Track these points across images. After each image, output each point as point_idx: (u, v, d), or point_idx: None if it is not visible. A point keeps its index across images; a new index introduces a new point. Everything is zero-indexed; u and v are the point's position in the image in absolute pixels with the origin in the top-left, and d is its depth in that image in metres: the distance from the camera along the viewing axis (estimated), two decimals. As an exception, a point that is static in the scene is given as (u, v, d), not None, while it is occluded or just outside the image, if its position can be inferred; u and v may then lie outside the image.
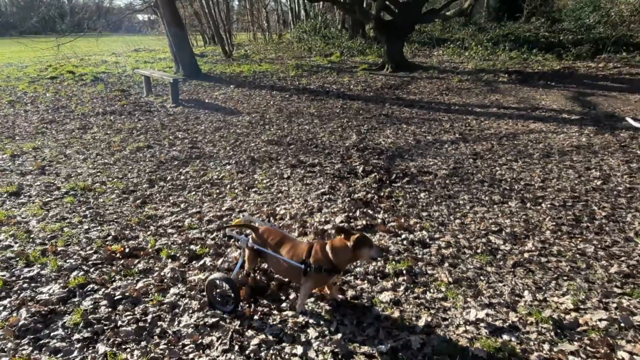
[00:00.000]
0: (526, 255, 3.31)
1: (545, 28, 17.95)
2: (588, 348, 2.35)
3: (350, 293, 2.87)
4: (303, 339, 2.46)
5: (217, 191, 4.67)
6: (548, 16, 19.44)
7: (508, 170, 5.13)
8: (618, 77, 11.69)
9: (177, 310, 2.74)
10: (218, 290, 2.80)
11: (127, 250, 3.45)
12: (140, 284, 3.01)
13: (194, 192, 4.66)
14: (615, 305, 2.71)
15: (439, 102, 9.25)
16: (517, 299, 2.81)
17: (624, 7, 18.17)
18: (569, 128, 6.88)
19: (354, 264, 3.16)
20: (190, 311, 2.72)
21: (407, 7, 12.65)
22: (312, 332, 2.51)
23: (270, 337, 2.47)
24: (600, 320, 2.56)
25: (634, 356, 2.28)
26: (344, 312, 2.68)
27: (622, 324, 2.51)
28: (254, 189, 4.70)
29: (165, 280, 3.06)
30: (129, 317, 2.68)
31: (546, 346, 2.38)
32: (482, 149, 5.92)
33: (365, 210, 4.10)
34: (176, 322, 2.64)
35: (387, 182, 4.83)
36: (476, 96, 9.76)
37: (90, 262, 3.31)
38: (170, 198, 4.53)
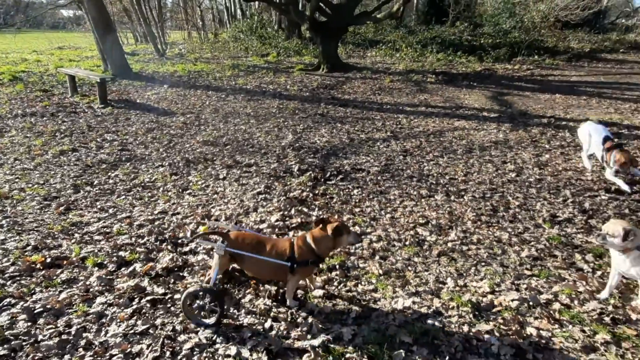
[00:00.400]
0: (450, 244, 3.55)
1: (468, 32, 19.18)
2: (501, 326, 2.58)
3: (283, 290, 2.92)
4: (237, 339, 2.47)
5: (149, 194, 4.51)
6: (470, 21, 20.80)
7: (435, 165, 5.45)
8: (531, 78, 12.81)
9: (104, 320, 2.63)
10: (197, 304, 2.68)
11: (48, 260, 3.24)
12: (63, 295, 2.84)
13: (123, 197, 4.47)
14: (525, 286, 2.99)
15: (372, 101, 9.58)
16: (440, 285, 3.01)
17: (535, 14, 19.90)
18: (488, 125, 7.44)
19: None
20: (118, 320, 2.62)
21: (340, 9, 12.96)
22: (246, 332, 2.53)
23: (204, 340, 2.46)
24: (512, 300, 2.81)
25: (541, 331, 2.54)
26: (278, 309, 2.73)
27: (531, 303, 2.78)
28: (188, 191, 4.60)
29: (91, 289, 2.92)
30: (50, 331, 2.53)
31: (465, 328, 2.58)
32: (412, 146, 6.23)
33: (300, 208, 4.17)
34: (103, 332, 2.53)
35: (322, 180, 4.94)
36: (406, 96, 10.22)
37: (7, 275, 3.07)
38: (98, 203, 4.30)
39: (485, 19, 20.93)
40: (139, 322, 2.60)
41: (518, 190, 4.65)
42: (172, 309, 2.71)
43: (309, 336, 2.50)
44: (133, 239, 3.59)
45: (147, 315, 2.66)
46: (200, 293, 2.59)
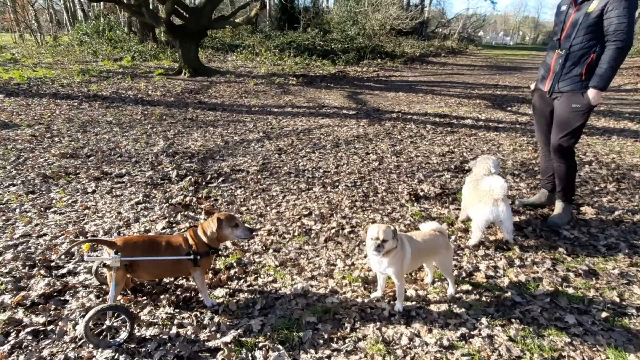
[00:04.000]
0: (333, 230, 3.88)
1: (320, 38, 20.54)
2: (389, 294, 2.95)
3: (183, 296, 2.85)
4: (143, 353, 2.35)
5: (3, 218, 3.84)
6: (320, 27, 22.28)
7: (308, 161, 5.80)
8: (377, 78, 14.37)
9: (-32, 368, 2.22)
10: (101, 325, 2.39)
11: None
12: None
13: (-40, 226, 3.71)
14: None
15: (240, 104, 9.62)
16: (332, 267, 3.28)
17: (374, 23, 22.34)
18: (349, 121, 8.17)
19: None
20: (-11, 363, 2.24)
21: (198, 12, 12.60)
22: (151, 344, 2.41)
23: (104, 362, 2.27)
24: (392, 269, 3.23)
25: (418, 291, 2.99)
26: (182, 316, 2.66)
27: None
28: (52, 209, 4.04)
29: (-60, 337, 2.41)
30: None
31: (359, 299, 2.89)
32: (285, 145, 6.50)
33: (186, 213, 4.05)
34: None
35: (204, 183, 4.85)
36: (272, 97, 10.53)
37: None
38: None
39: (333, 26, 22.65)
40: (22, 357, 2.26)
41: (382, 177, 5.25)
42: (61, 336, 2.42)
43: (218, 335, 2.50)
44: (-13, 271, 3.04)
45: (30, 348, 2.33)
46: (104, 313, 2.38)
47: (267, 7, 26.90)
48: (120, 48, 17.46)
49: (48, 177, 4.84)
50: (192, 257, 2.56)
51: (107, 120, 7.58)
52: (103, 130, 6.93)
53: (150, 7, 15.41)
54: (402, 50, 22.21)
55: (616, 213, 4.24)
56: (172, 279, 3.00)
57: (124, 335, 2.41)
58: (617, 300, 2.89)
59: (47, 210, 4.04)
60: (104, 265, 2.47)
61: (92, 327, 2.37)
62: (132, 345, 2.39)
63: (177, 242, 2.62)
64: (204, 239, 2.62)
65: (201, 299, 2.76)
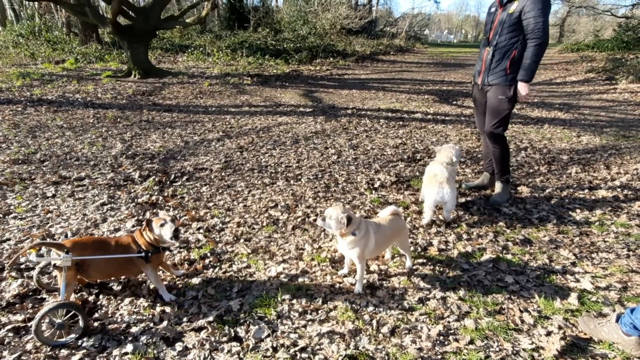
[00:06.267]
0: (299, 219, 4.13)
1: (271, 37, 20.65)
2: (354, 269, 3.25)
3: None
4: (130, 338, 2.49)
5: (-44, 227, 3.76)
6: (271, 27, 22.39)
7: (270, 157, 6.00)
8: (330, 77, 14.74)
9: (-46, 365, 2.27)
10: (52, 324, 2.42)
11: None
12: None
13: None
14: (362, 238, 3.76)
15: (196, 105, 9.62)
16: (301, 251, 3.54)
17: (325, 22, 22.76)
18: (306, 119, 8.44)
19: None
20: (-23, 358, 2.30)
21: (146, 12, 12.33)
22: (136, 329, 2.55)
23: (92, 349, 2.40)
24: (355, 250, 3.53)
25: (380, 266, 3.30)
26: (163, 302, 2.81)
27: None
28: (12, 215, 4.00)
29: None
30: None
31: (328, 277, 3.16)
32: (245, 143, 6.67)
33: (154, 211, 4.15)
34: (-41, 377, 2.20)
35: (168, 182, 4.94)
36: (228, 97, 10.59)
37: None
38: None
39: (284, 26, 22.82)
40: (6, 352, 2.34)
41: (342, 169, 5.56)
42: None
43: (200, 316, 2.69)
44: (-46, 277, 3.02)
45: (13, 344, 2.40)
46: (53, 312, 2.41)
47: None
48: (61, 50, 16.62)
49: (1, 184, 4.73)
50: (143, 254, 2.69)
51: (57, 124, 7.37)
52: (54, 134, 6.75)
53: (95, 5, 14.87)
54: (353, 49, 22.76)
55: (547, 191, 4.80)
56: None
57: (77, 331, 2.48)
58: (547, 261, 3.36)
59: (7, 216, 3.98)
60: (54, 266, 2.53)
61: (45, 327, 2.42)
62: (117, 334, 2.53)
63: (126, 242, 2.74)
64: (147, 239, 2.74)
65: (180, 286, 2.93)
